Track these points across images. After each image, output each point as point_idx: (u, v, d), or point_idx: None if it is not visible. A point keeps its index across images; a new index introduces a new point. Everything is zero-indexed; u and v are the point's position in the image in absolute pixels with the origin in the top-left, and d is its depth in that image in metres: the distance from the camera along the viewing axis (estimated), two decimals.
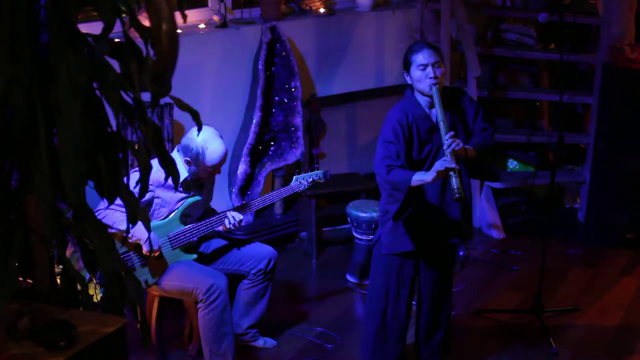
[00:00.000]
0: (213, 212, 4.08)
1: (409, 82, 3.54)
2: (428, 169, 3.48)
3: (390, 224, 3.59)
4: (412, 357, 3.96)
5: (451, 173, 3.29)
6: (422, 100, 3.54)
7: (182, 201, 3.89)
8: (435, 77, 3.43)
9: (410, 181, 3.38)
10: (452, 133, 3.37)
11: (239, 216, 3.94)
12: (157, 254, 3.82)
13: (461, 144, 3.36)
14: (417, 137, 3.52)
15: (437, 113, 3.41)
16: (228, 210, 3.97)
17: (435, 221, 3.61)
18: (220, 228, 3.99)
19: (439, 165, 3.32)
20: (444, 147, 3.35)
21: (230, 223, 3.93)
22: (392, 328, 3.74)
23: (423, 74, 3.45)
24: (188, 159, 3.85)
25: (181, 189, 3.89)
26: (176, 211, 3.88)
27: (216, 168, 3.90)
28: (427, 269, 3.72)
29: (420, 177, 3.40)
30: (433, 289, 3.76)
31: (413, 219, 3.55)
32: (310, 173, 4.23)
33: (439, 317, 3.82)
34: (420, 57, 3.46)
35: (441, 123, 3.38)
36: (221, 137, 3.89)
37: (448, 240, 3.70)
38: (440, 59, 3.49)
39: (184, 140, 3.86)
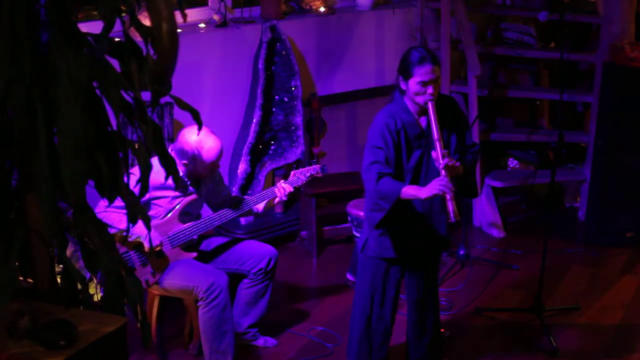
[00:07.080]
0: (240, 200, 4.07)
1: (403, 87, 3.43)
2: (417, 176, 3.46)
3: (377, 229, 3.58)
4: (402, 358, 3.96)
5: (447, 196, 3.20)
6: (412, 107, 3.45)
7: (180, 200, 3.89)
8: (433, 95, 3.36)
9: (399, 193, 3.31)
10: (446, 152, 3.29)
11: (289, 187, 4.03)
12: (158, 249, 3.82)
13: (458, 163, 3.28)
14: (406, 143, 3.44)
15: (433, 130, 3.31)
16: (278, 183, 4.05)
17: (421, 230, 3.58)
18: (260, 206, 4.06)
19: (437, 188, 3.21)
20: (440, 166, 3.25)
21: (281, 193, 4.01)
22: (377, 332, 3.72)
23: (422, 90, 3.37)
24: (185, 161, 3.85)
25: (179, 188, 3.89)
26: (174, 210, 3.88)
27: (215, 164, 3.92)
28: (411, 274, 3.72)
29: (413, 192, 3.31)
30: (417, 294, 3.75)
31: (399, 227, 3.52)
32: (307, 168, 4.21)
33: (426, 321, 3.80)
34: (423, 73, 3.35)
35: (437, 142, 3.30)
36: (213, 132, 3.90)
37: (433, 247, 3.69)
38: (440, 73, 3.42)
39: (177, 145, 3.86)
